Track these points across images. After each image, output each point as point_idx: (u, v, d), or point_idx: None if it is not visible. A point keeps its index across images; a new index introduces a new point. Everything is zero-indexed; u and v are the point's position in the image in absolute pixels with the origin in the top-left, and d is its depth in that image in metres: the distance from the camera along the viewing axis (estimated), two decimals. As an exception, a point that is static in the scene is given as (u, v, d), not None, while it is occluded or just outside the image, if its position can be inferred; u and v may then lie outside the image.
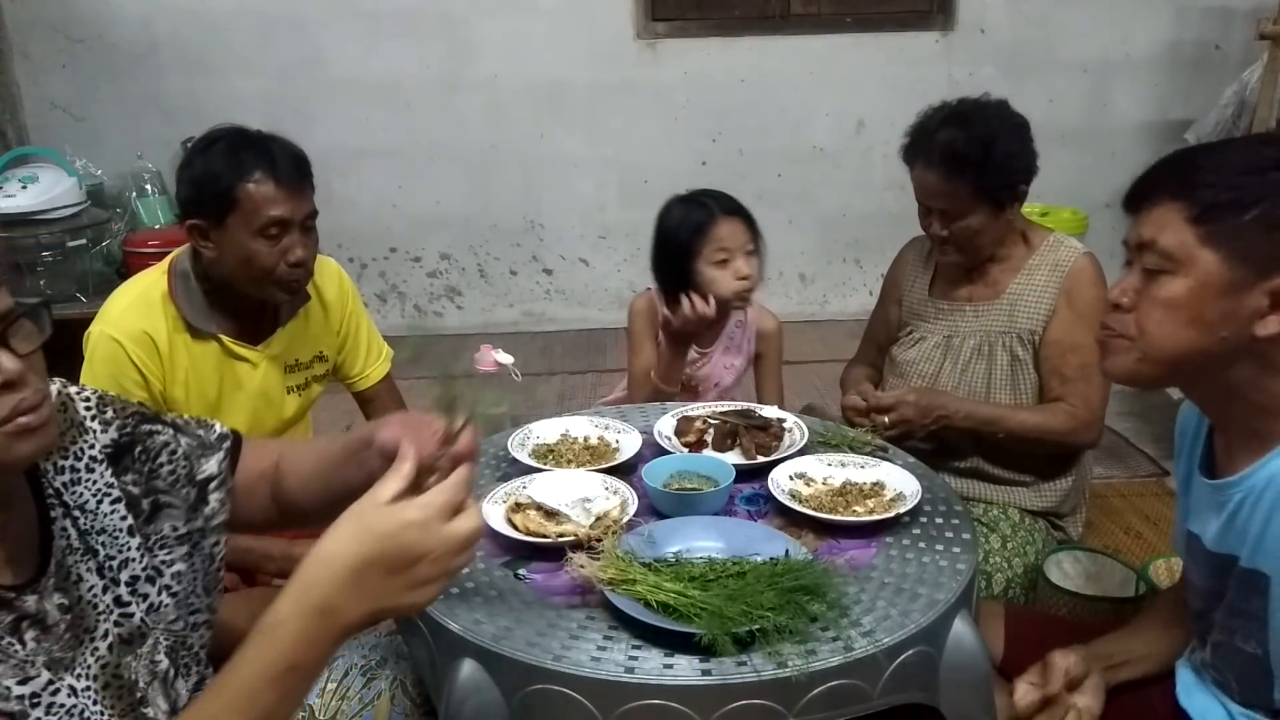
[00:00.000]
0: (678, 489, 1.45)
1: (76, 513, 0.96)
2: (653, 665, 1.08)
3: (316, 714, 1.25)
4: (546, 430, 1.67)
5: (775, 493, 1.43)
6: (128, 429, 1.02)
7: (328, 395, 2.07)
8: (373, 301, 4.43)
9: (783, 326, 2.22)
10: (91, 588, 0.94)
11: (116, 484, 0.99)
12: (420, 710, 1.31)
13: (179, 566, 1.02)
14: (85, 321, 1.73)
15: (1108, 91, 4.33)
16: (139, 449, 1.02)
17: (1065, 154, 4.06)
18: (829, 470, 1.51)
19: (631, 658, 1.09)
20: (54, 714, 0.85)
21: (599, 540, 1.24)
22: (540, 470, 1.50)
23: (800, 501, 1.42)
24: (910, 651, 1.12)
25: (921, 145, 1.82)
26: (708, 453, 1.60)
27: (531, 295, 4.54)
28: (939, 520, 1.39)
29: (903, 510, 1.36)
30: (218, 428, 1.13)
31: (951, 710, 1.18)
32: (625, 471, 1.52)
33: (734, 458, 1.57)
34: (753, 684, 1.05)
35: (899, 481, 1.46)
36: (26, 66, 4.03)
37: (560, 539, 1.28)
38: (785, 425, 1.67)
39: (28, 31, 3.99)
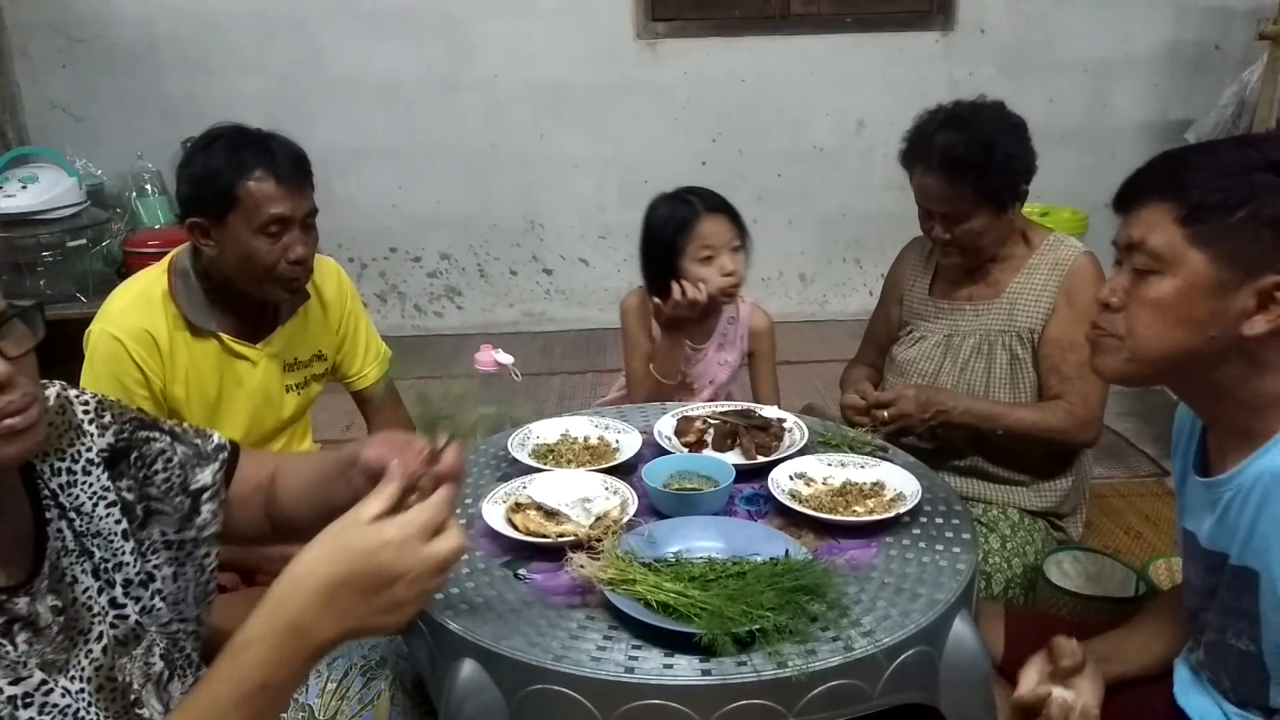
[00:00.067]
0: (678, 489, 1.45)
1: (72, 515, 0.95)
2: (653, 665, 1.08)
3: (316, 714, 1.25)
4: (546, 430, 1.67)
5: (775, 493, 1.42)
6: (125, 434, 1.02)
7: (327, 395, 2.07)
8: (373, 301, 4.43)
9: (775, 324, 2.23)
10: (86, 589, 0.94)
11: (112, 488, 0.99)
12: (420, 710, 1.31)
13: (167, 571, 1.02)
14: (85, 321, 1.74)
15: (1108, 91, 4.33)
16: (135, 455, 1.02)
17: (1065, 154, 4.06)
18: (829, 470, 1.51)
19: (631, 658, 1.09)
20: (47, 714, 0.84)
21: (599, 540, 1.24)
22: (540, 470, 1.50)
23: (800, 501, 1.41)
24: (910, 651, 1.12)
25: (920, 150, 1.82)
26: (708, 453, 1.60)
27: (531, 295, 4.54)
28: (939, 520, 1.39)
29: (903, 510, 1.36)
30: (215, 438, 1.13)
31: (951, 710, 1.18)
32: (625, 471, 1.52)
33: (734, 458, 1.56)
34: (753, 684, 1.05)
35: (899, 481, 1.46)
36: (26, 66, 4.03)
37: (560, 539, 1.28)
38: (785, 425, 1.67)
39: (28, 31, 4.00)
